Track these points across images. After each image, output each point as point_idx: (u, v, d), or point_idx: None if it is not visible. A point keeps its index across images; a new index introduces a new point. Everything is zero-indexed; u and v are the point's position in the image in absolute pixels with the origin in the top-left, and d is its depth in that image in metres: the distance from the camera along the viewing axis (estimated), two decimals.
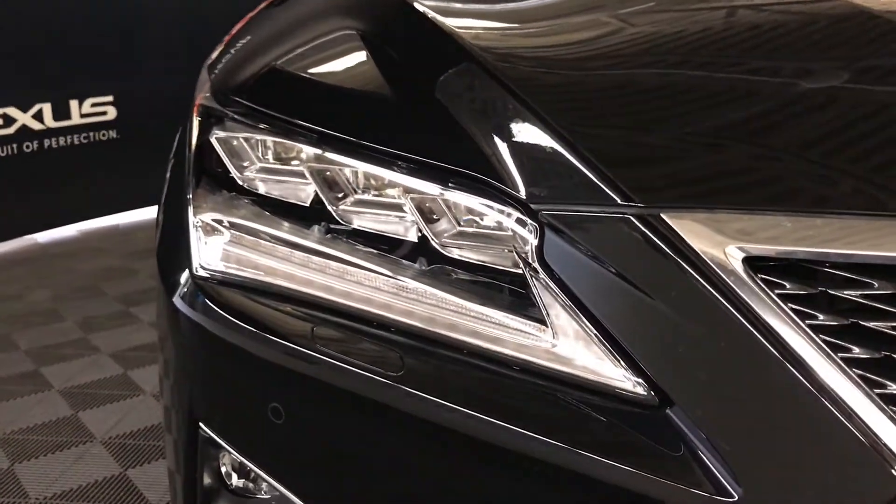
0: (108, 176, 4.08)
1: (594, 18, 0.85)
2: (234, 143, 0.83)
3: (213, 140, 0.84)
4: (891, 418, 0.50)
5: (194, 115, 0.86)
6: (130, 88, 4.08)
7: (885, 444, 0.49)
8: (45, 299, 3.17)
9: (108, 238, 4.00)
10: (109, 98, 4.03)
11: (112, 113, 4.04)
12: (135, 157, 4.19)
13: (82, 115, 3.95)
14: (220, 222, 0.77)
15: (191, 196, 0.78)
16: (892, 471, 0.47)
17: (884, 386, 0.51)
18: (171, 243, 0.82)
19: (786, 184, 0.58)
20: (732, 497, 0.51)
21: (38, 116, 3.77)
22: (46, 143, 3.83)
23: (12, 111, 3.68)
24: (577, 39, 0.81)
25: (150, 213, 4.32)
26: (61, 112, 3.86)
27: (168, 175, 0.98)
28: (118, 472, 1.95)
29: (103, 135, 4.04)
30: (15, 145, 3.72)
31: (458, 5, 0.89)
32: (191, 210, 0.77)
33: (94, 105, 4.00)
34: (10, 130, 3.69)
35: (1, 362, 2.58)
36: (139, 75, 4.12)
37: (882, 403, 0.50)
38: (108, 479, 1.93)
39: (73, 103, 3.91)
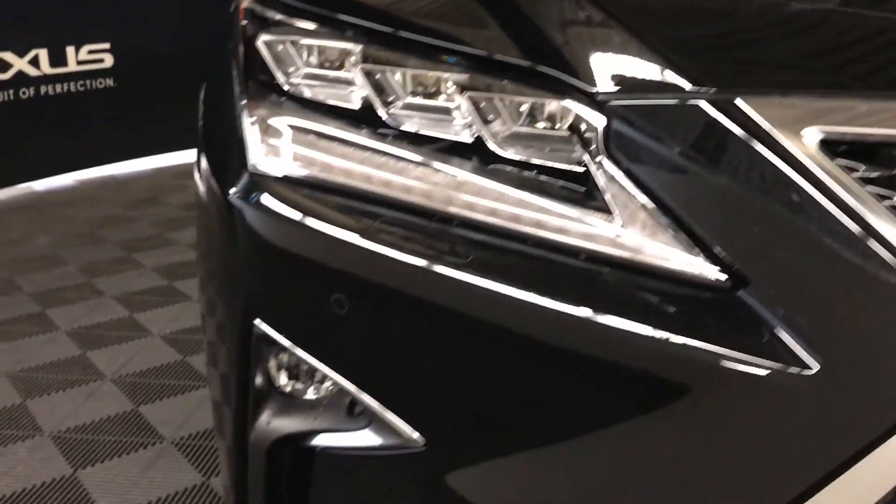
0: (105, 125, 4.04)
1: None
2: (280, 47, 0.82)
3: (259, 44, 0.83)
4: None
5: (240, 18, 0.85)
6: (128, 36, 4.02)
7: None
8: (45, 245, 3.16)
9: (105, 188, 3.97)
10: (106, 45, 3.97)
11: (109, 60, 3.98)
12: (132, 106, 4.14)
13: (79, 63, 3.89)
14: (273, 124, 0.76)
15: (245, 101, 0.78)
16: None
17: None
18: (221, 147, 0.82)
19: (860, 67, 0.58)
20: (811, 368, 0.52)
21: (35, 62, 3.71)
22: (43, 89, 3.77)
23: (9, 56, 3.62)
24: None
25: (146, 163, 4.29)
26: (57, 58, 3.80)
27: (205, 85, 0.98)
28: (130, 409, 1.96)
29: (100, 83, 3.99)
30: (11, 91, 3.66)
31: None
32: (245, 112, 0.77)
33: (90, 52, 3.94)
34: (7, 76, 3.63)
35: (6, 305, 2.58)
36: (137, 23, 4.06)
37: None
38: (121, 414, 1.94)
39: (70, 50, 3.84)
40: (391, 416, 0.68)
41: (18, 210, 3.64)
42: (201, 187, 0.87)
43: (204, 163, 0.86)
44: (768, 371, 0.53)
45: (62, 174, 4.04)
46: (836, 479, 0.51)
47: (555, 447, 0.60)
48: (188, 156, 4.37)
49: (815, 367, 0.52)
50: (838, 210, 0.53)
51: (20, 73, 3.67)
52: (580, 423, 0.59)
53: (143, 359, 2.22)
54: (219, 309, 0.80)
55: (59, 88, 3.84)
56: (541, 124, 0.70)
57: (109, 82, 4.01)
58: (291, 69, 0.81)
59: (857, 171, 0.55)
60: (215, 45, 0.96)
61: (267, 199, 0.71)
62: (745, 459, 0.54)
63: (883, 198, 0.54)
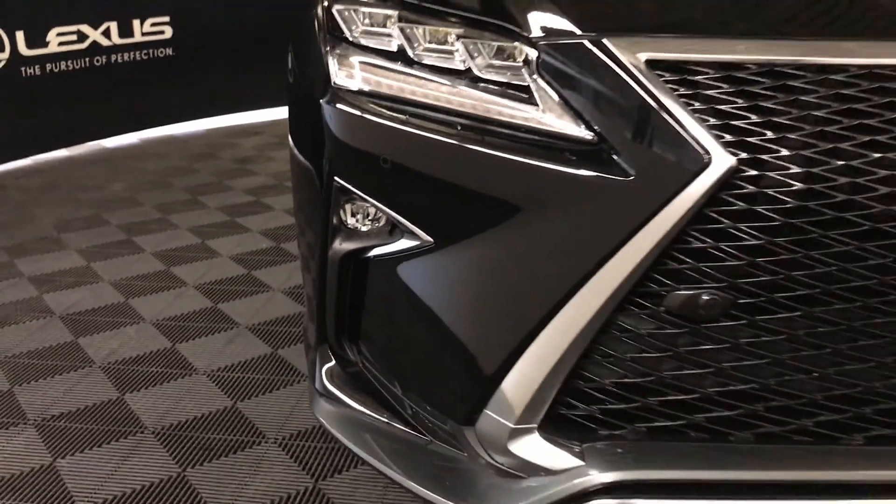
0: (165, 90, 4.56)
1: None
2: (346, 13, 1.30)
3: (334, 11, 1.31)
4: (715, 139, 0.97)
5: None
6: (185, 10, 4.53)
7: (699, 143, 0.97)
8: (122, 189, 3.69)
9: (167, 144, 4.50)
10: (166, 19, 4.48)
11: (168, 32, 4.50)
12: (188, 73, 4.65)
13: (143, 34, 4.41)
14: (344, 59, 1.24)
15: (328, 46, 1.26)
16: (703, 156, 0.95)
17: (719, 131, 0.98)
18: (312, 74, 1.30)
19: (686, 14, 1.05)
20: (631, 176, 1.00)
21: (107, 33, 4.23)
22: (114, 58, 4.30)
23: (85, 28, 4.14)
24: None
25: (201, 124, 4.81)
26: (125, 30, 4.32)
27: (293, 41, 1.46)
28: (210, 305, 2.48)
29: (161, 52, 4.51)
30: (87, 59, 4.19)
31: None
32: (329, 52, 1.25)
33: (153, 25, 4.45)
34: (83, 46, 4.16)
35: (99, 234, 3.12)
36: None
37: (702, 128, 0.97)
38: (205, 309, 2.46)
39: (136, 22, 4.36)
40: (415, 228, 1.17)
41: (94, 163, 4.18)
42: (298, 99, 1.36)
43: (301, 83, 1.35)
44: (612, 178, 1.00)
45: (128, 133, 4.58)
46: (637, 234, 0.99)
47: (504, 231, 1.09)
48: (239, 118, 4.89)
49: (631, 175, 1.00)
50: (652, 100, 0.99)
51: (94, 43, 4.20)
52: (517, 214, 1.08)
53: (217, 272, 2.75)
54: (311, 173, 1.29)
55: (126, 57, 4.36)
56: (505, 56, 1.17)
57: (169, 51, 4.52)
58: (354, 26, 1.29)
59: (664, 76, 1.01)
60: (297, 12, 1.44)
61: (342, 102, 1.20)
62: (595, 236, 1.02)
63: (681, 96, 1.00)
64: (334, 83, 1.24)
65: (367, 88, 1.21)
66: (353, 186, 1.23)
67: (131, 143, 4.53)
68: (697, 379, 1.08)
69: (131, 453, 1.79)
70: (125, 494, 1.65)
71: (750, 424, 1.09)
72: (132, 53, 4.39)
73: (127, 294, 2.59)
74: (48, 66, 4.04)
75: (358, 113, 1.20)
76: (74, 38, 4.12)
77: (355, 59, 1.25)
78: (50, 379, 2.10)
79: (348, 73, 1.23)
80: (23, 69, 3.93)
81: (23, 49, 3.92)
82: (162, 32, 4.49)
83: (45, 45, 4.01)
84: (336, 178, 1.24)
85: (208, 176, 3.90)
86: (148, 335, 2.32)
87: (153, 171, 3.99)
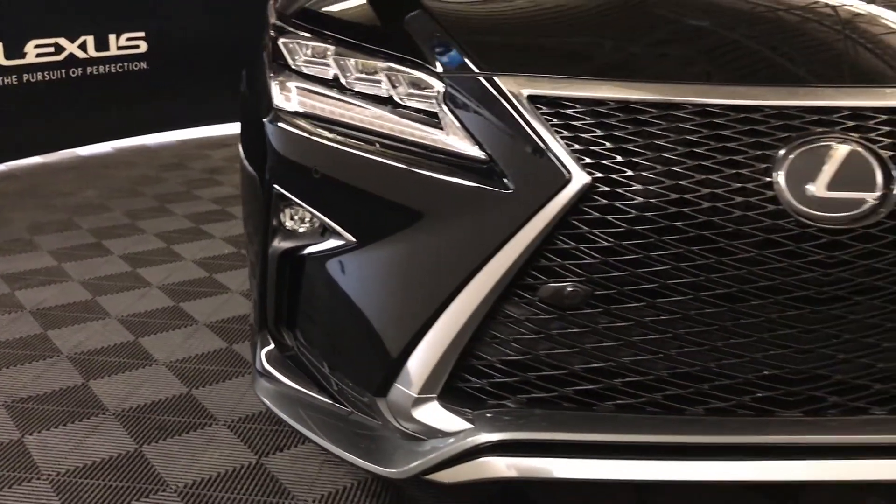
0: (139, 102, 4.74)
1: None
2: (290, 45, 1.53)
3: (280, 44, 1.53)
4: (576, 161, 1.20)
5: (270, 29, 1.56)
6: (159, 26, 4.73)
7: (563, 164, 1.20)
8: (94, 196, 3.87)
9: (139, 154, 4.68)
10: (141, 34, 4.68)
11: (143, 47, 4.69)
12: (162, 86, 4.85)
13: (118, 48, 4.60)
14: (289, 86, 1.47)
15: (271, 72, 1.48)
16: (566, 174, 1.18)
17: (580, 154, 1.21)
18: (259, 96, 1.52)
19: (568, 57, 1.29)
20: (510, 189, 1.23)
21: (83, 46, 4.42)
22: (89, 70, 4.48)
23: (62, 41, 4.33)
24: None
25: (173, 136, 5.00)
26: (101, 44, 4.51)
27: (246, 72, 1.68)
28: (171, 304, 2.67)
29: (135, 65, 4.70)
30: (63, 71, 4.37)
31: None
32: (272, 79, 1.47)
33: (128, 39, 4.65)
34: (60, 57, 4.34)
35: (71, 236, 3.30)
36: (168, 15, 4.76)
37: (567, 152, 1.20)
38: (166, 308, 2.66)
39: (112, 37, 4.55)
40: (340, 229, 1.39)
41: (68, 170, 4.35)
42: (247, 117, 1.58)
43: (250, 103, 1.57)
44: (496, 191, 1.23)
45: (102, 142, 4.76)
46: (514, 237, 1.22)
47: (412, 233, 1.31)
48: (209, 130, 5.09)
49: (511, 189, 1.23)
50: (530, 129, 1.22)
51: (71, 56, 4.38)
52: (422, 219, 1.30)
53: (180, 274, 2.94)
54: (256, 181, 1.50)
55: (101, 69, 4.55)
56: (421, 87, 1.40)
57: (143, 65, 4.72)
58: (297, 57, 1.51)
59: (541, 109, 1.24)
60: (251, 45, 1.66)
61: (281, 121, 1.42)
62: (482, 238, 1.25)
63: (553, 126, 1.23)
64: (275, 105, 1.46)
65: (302, 110, 1.44)
66: (290, 193, 1.45)
67: (105, 152, 4.71)
68: (566, 357, 1.30)
69: (93, 431, 1.97)
70: (86, 466, 1.84)
71: (610, 396, 1.31)
72: (107, 66, 4.57)
73: (95, 292, 2.77)
74: (25, 77, 4.21)
75: (294, 130, 1.43)
76: (52, 50, 4.30)
77: (294, 84, 1.48)
78: (20, 366, 2.27)
79: (287, 97, 1.46)
80: (1, 79, 4.11)
81: (1, 60, 4.10)
82: (137, 47, 4.69)
83: (23, 56, 4.19)
84: (275, 185, 1.46)
85: (177, 185, 4.09)
86: (113, 329, 2.51)
87: (124, 179, 4.18)
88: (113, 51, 4.58)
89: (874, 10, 1.45)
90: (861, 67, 1.31)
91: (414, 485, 1.78)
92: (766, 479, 1.31)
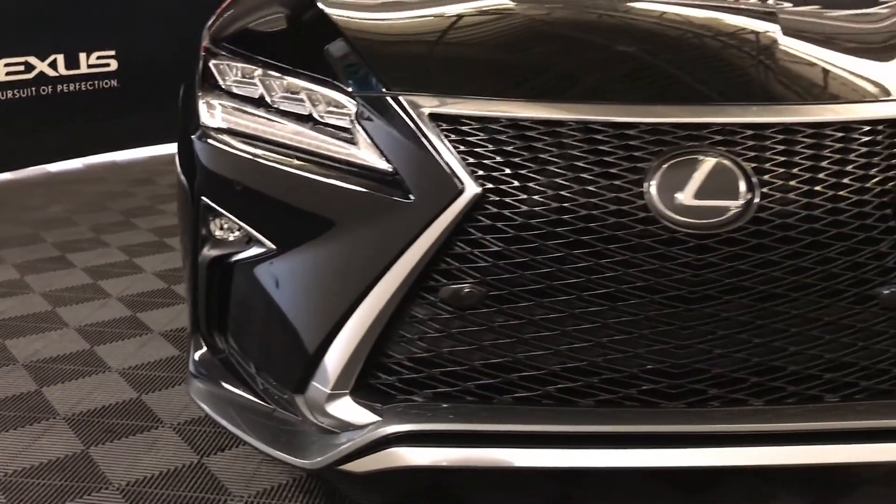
0: (109, 119, 4.83)
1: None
2: (221, 66, 1.63)
3: (210, 65, 1.64)
4: (469, 173, 1.32)
5: (202, 52, 1.67)
6: (130, 45, 4.83)
7: (457, 176, 1.32)
8: (61, 211, 3.95)
9: (108, 170, 4.77)
10: (112, 52, 4.78)
11: (114, 65, 4.79)
12: (132, 103, 4.94)
13: (89, 66, 4.70)
14: (214, 104, 1.57)
15: (200, 92, 1.59)
16: (459, 185, 1.30)
17: (473, 167, 1.33)
18: (189, 114, 1.63)
19: (466, 78, 1.41)
20: (411, 199, 1.34)
21: (53, 65, 4.51)
22: (59, 87, 4.58)
23: (32, 59, 4.42)
24: (394, 17, 1.63)
25: (143, 152, 5.09)
26: (72, 62, 4.61)
27: (183, 90, 1.79)
28: (129, 313, 2.76)
29: (106, 83, 4.79)
30: (33, 89, 4.46)
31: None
32: (201, 97, 1.58)
33: (98, 58, 4.75)
34: (30, 76, 4.43)
35: (35, 250, 3.38)
36: (138, 34, 4.86)
37: (461, 165, 1.32)
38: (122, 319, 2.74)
39: (82, 55, 4.65)
40: (261, 237, 1.49)
41: (37, 185, 4.43)
42: (181, 134, 1.68)
43: (183, 120, 1.67)
44: (400, 200, 1.34)
45: (72, 158, 4.85)
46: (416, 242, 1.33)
47: (326, 240, 1.41)
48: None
49: (412, 198, 1.34)
50: (429, 144, 1.33)
51: (41, 74, 4.48)
52: (335, 226, 1.40)
53: (140, 286, 3.03)
54: (187, 193, 1.61)
55: (72, 87, 4.64)
56: (337, 105, 1.51)
57: (114, 83, 4.81)
58: (226, 77, 1.62)
59: (441, 126, 1.36)
60: (188, 66, 1.77)
61: (208, 138, 1.53)
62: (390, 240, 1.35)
63: (451, 141, 1.34)
64: (202, 122, 1.57)
65: (227, 126, 1.55)
66: (217, 204, 1.55)
67: (74, 168, 4.79)
68: (467, 354, 1.41)
69: (42, 435, 2.06)
70: (33, 467, 1.92)
71: (509, 390, 1.42)
72: (77, 84, 4.67)
73: (54, 303, 2.86)
74: None
75: (220, 146, 1.53)
76: (22, 68, 4.39)
77: (220, 102, 1.58)
78: None
79: (214, 115, 1.57)
80: None
81: None
82: (108, 65, 4.79)
83: None
84: (203, 197, 1.57)
85: (144, 200, 4.18)
86: (70, 339, 2.60)
87: (92, 194, 4.26)
88: (83, 69, 4.68)
89: (744, 30, 1.58)
90: (729, 86, 1.43)
91: (345, 480, 1.88)
92: (651, 466, 1.42)
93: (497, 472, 1.73)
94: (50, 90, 4.56)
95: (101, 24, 4.73)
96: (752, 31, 1.60)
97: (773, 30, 1.55)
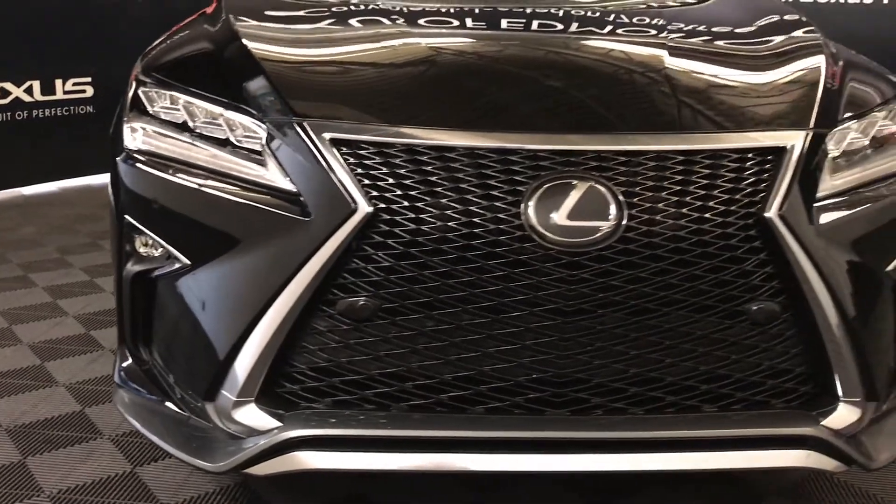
0: (84, 143, 4.94)
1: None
2: (149, 94, 1.74)
3: (139, 93, 1.75)
4: (363, 195, 1.42)
5: (133, 80, 1.78)
6: (106, 71, 4.95)
7: (351, 196, 1.42)
8: (31, 232, 4.05)
9: (82, 193, 4.87)
10: (88, 79, 4.91)
11: (90, 91, 4.92)
12: (107, 129, 5.02)
13: (65, 92, 4.82)
14: (137, 128, 1.68)
15: (126, 117, 1.70)
16: (352, 205, 1.41)
17: (367, 189, 1.44)
18: (117, 137, 1.73)
19: (360, 110, 1.52)
20: (310, 217, 1.44)
21: (29, 91, 4.63)
22: (35, 113, 4.69)
23: (8, 85, 4.54)
24: (308, 52, 1.75)
25: None
26: (48, 88, 4.73)
27: (116, 116, 1.90)
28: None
29: (81, 109, 4.92)
30: (9, 114, 4.58)
31: (262, 33, 1.82)
32: (126, 122, 1.69)
33: (74, 84, 4.88)
34: (6, 101, 4.55)
35: (1, 270, 3.47)
36: (113, 61, 4.98)
37: (356, 186, 1.42)
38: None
39: (58, 81, 4.78)
40: (177, 253, 1.59)
41: (10, 208, 4.53)
42: (111, 155, 1.79)
43: (112, 143, 1.78)
44: (300, 218, 1.44)
45: (47, 182, 4.95)
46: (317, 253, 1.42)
47: (234, 255, 1.51)
48: None
49: (312, 217, 1.44)
50: (328, 166, 1.44)
51: (17, 99, 4.60)
52: (242, 243, 1.50)
53: (98, 305, 3.12)
54: (114, 211, 1.71)
55: (48, 112, 4.76)
56: (250, 131, 1.61)
57: (89, 109, 4.93)
58: (154, 104, 1.73)
59: (341, 150, 1.46)
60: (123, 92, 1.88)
61: (130, 160, 1.63)
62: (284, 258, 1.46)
63: (349, 164, 1.45)
64: (126, 145, 1.67)
65: (147, 149, 1.65)
66: (137, 222, 1.65)
67: (49, 191, 4.89)
68: (365, 363, 1.50)
69: None
70: None
71: (405, 398, 1.51)
72: (53, 110, 4.79)
73: (11, 321, 2.94)
74: None
75: (139, 167, 1.64)
76: None
77: (145, 126, 1.69)
78: None
79: (136, 138, 1.67)
80: None
81: None
82: (84, 91, 4.91)
83: None
84: (126, 215, 1.66)
85: None
86: (22, 355, 2.68)
87: (63, 216, 4.36)
88: (59, 95, 4.80)
89: (629, 62, 1.69)
90: (608, 116, 1.55)
91: (271, 487, 1.96)
92: (537, 470, 1.50)
93: (397, 475, 1.81)
94: (26, 115, 4.67)
95: (78, 51, 4.86)
96: (637, 63, 1.72)
97: (657, 62, 1.67)
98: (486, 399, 1.50)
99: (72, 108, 4.87)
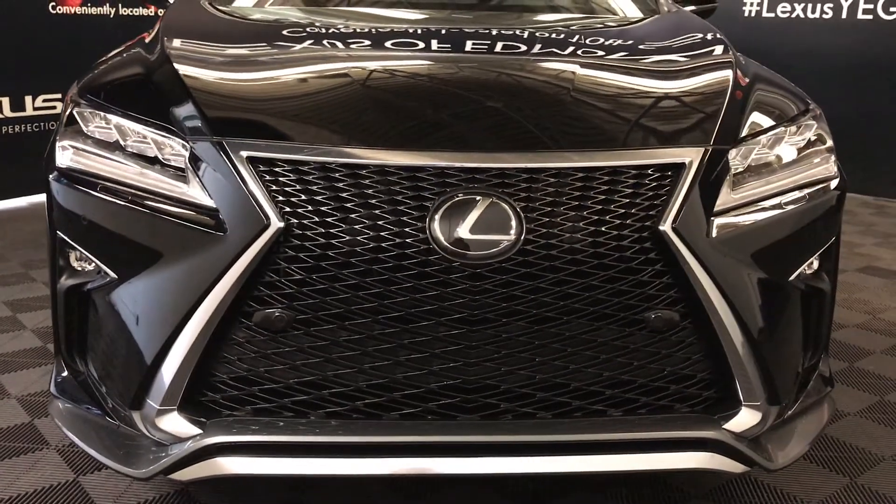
0: None
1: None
2: (84, 114, 1.81)
3: (74, 113, 1.82)
4: (276, 210, 1.49)
5: (68, 100, 1.84)
6: None
7: (264, 212, 1.48)
8: None
9: None
10: (58, 95, 4.97)
11: (60, 107, 4.97)
12: None
13: (35, 108, 4.88)
14: (67, 147, 1.74)
15: (58, 136, 1.77)
16: (265, 220, 1.47)
17: (281, 205, 1.50)
18: (51, 156, 1.80)
19: (277, 130, 1.59)
20: (225, 232, 1.50)
21: None
22: (4, 129, 4.75)
23: None
24: (234, 75, 1.82)
25: None
26: (18, 104, 4.79)
27: (52, 136, 1.96)
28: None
29: (51, 125, 4.97)
30: None
31: (192, 55, 1.89)
32: (58, 141, 1.75)
33: (44, 100, 4.94)
34: None
35: None
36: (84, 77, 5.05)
37: (270, 202, 1.49)
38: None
39: (28, 98, 4.84)
40: (105, 268, 1.65)
41: None
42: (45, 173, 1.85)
43: (46, 161, 1.84)
44: (217, 233, 1.50)
45: (17, 197, 5.00)
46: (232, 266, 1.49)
47: (156, 269, 1.57)
48: None
49: (227, 230, 1.51)
50: (244, 183, 1.50)
51: None
52: (164, 257, 1.57)
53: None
54: (48, 227, 1.77)
55: (17, 128, 4.82)
56: (175, 150, 1.68)
57: None
58: (88, 123, 1.79)
59: (258, 168, 1.53)
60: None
61: (61, 178, 1.70)
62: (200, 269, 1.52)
63: (264, 181, 1.52)
64: (57, 164, 1.73)
65: (77, 167, 1.72)
66: (68, 238, 1.71)
67: (18, 206, 4.93)
68: (283, 373, 1.56)
69: None
70: None
71: (322, 406, 1.57)
72: (23, 126, 4.84)
73: None
74: None
75: (70, 185, 1.70)
76: None
77: (77, 146, 1.75)
78: None
79: (66, 156, 1.73)
80: None
81: None
82: (54, 108, 4.97)
83: None
84: (57, 231, 1.73)
85: None
86: None
87: (31, 231, 4.40)
88: (29, 111, 4.86)
89: (539, 81, 1.77)
90: (513, 134, 1.62)
91: (212, 494, 2.01)
92: (451, 473, 1.57)
93: (314, 480, 1.86)
94: None
95: (48, 68, 4.93)
96: (547, 82, 1.79)
97: (566, 81, 1.74)
98: (401, 405, 1.57)
99: (42, 123, 4.92)
